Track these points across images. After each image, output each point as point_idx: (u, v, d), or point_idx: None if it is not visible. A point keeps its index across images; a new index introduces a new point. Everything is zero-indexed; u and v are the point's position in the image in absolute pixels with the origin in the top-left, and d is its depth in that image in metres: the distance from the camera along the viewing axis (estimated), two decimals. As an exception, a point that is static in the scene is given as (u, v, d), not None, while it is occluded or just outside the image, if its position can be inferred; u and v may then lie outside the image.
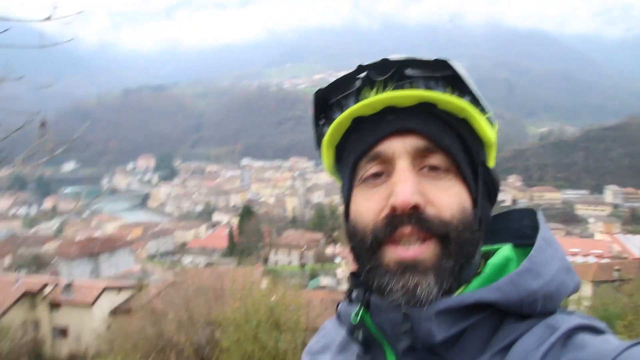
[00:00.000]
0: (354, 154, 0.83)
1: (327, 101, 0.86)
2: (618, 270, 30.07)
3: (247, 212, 68.41)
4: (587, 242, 72.70)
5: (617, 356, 0.63)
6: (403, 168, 0.77)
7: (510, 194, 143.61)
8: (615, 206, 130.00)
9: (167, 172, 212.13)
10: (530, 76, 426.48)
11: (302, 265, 51.55)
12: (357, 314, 0.84)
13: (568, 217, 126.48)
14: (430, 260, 0.74)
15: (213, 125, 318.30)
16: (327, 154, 0.92)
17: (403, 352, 0.76)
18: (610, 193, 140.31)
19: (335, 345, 0.96)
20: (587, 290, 28.25)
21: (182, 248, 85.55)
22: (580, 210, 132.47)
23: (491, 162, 0.90)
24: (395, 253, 0.75)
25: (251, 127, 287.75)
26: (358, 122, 0.84)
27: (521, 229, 0.90)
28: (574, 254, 60.05)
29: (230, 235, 66.93)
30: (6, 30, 2.98)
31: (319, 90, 0.85)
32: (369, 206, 0.79)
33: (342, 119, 0.84)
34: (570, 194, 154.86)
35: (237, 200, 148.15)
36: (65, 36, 3.32)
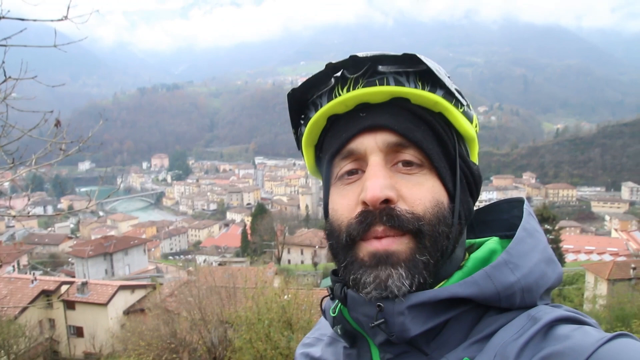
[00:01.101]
0: (330, 152, 0.84)
1: (305, 101, 0.87)
2: (634, 268, 29.65)
3: (260, 211, 68.47)
4: (603, 239, 71.91)
5: (597, 349, 0.62)
6: (374, 163, 0.77)
7: (525, 191, 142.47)
8: (632, 203, 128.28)
9: (181, 171, 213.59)
10: (546, 72, 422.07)
11: (315, 264, 51.46)
12: (334, 309, 0.85)
13: (584, 215, 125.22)
14: (403, 253, 0.74)
15: (227, 123, 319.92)
16: (307, 154, 0.93)
17: (383, 345, 0.77)
18: (627, 190, 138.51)
19: (326, 338, 0.98)
20: (602, 288, 27.89)
21: (196, 247, 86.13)
22: (596, 207, 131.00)
23: (474, 157, 0.90)
24: (369, 246, 0.75)
25: (265, 126, 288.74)
26: (334, 121, 0.85)
27: (510, 219, 0.90)
28: (590, 252, 59.49)
29: (244, 234, 67.09)
30: (23, 30, 3.02)
31: (293, 90, 0.85)
32: (343, 203, 0.80)
33: (316, 118, 0.85)
34: (586, 191, 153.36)
35: (250, 198, 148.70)
36: (83, 36, 3.34)
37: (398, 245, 0.74)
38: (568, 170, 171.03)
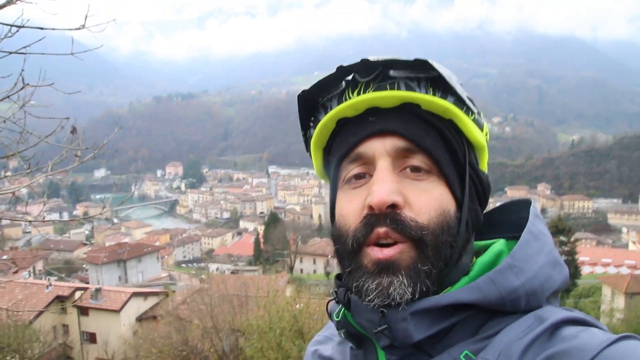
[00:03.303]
0: (338, 155, 0.84)
1: (315, 103, 0.87)
2: (653, 282, 29.17)
3: (273, 220, 68.62)
4: (620, 252, 70.85)
5: (602, 349, 0.62)
6: (382, 168, 0.77)
7: (539, 202, 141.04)
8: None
9: (195, 180, 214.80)
10: (561, 84, 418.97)
11: (328, 274, 51.26)
12: (338, 314, 0.86)
13: (600, 227, 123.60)
14: (405, 261, 0.74)
15: (241, 133, 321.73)
16: (315, 157, 0.93)
17: (387, 347, 0.78)
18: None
19: (337, 337, 0.99)
20: (620, 302, 27.48)
21: (209, 255, 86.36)
22: (613, 219, 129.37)
23: (483, 165, 0.89)
24: (373, 254, 0.75)
25: (278, 135, 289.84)
26: (343, 124, 0.85)
27: (518, 220, 0.89)
28: (606, 265, 58.55)
29: (256, 243, 67.19)
30: (41, 39, 3.08)
31: (303, 91, 0.86)
32: (349, 207, 0.80)
33: (326, 120, 0.85)
34: (602, 203, 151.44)
35: (263, 207, 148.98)
36: (99, 45, 3.41)
37: (400, 254, 0.74)
38: (584, 181, 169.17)
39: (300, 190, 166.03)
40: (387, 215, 0.74)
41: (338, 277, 0.89)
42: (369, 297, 0.74)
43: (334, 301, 0.91)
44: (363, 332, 0.82)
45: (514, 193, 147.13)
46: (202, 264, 69.25)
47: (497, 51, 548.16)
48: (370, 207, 0.75)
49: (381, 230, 0.74)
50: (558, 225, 35.21)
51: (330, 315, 0.93)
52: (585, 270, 49.38)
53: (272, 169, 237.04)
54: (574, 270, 34.48)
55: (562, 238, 33.82)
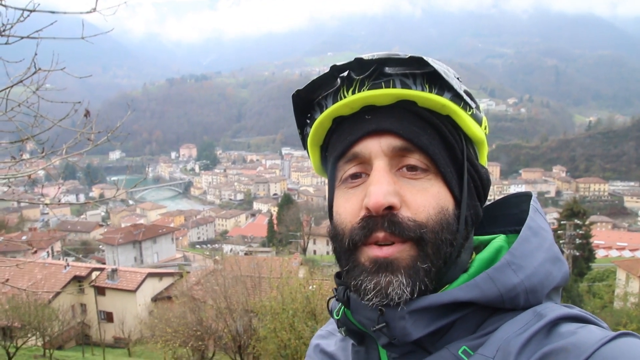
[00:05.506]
0: (334, 154, 0.84)
1: (310, 101, 0.86)
2: (669, 266, 28.84)
3: (286, 201, 68.78)
4: (635, 236, 70.07)
5: (600, 347, 0.62)
6: (378, 169, 0.76)
7: (555, 184, 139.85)
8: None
9: (209, 161, 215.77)
10: (579, 63, 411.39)
11: (341, 255, 51.59)
12: (338, 312, 0.87)
13: (616, 210, 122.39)
14: (404, 260, 0.74)
15: (254, 114, 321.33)
16: (313, 154, 0.94)
17: (387, 345, 0.78)
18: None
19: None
20: (635, 286, 27.26)
21: (223, 236, 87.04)
22: (630, 202, 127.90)
23: (482, 160, 0.89)
24: (370, 252, 0.75)
25: (292, 116, 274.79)
26: (340, 122, 0.84)
27: (519, 214, 0.88)
28: (622, 248, 58.01)
29: (270, 224, 67.55)
30: (53, 23, 3.08)
31: (298, 91, 0.85)
32: (346, 207, 0.80)
33: (321, 119, 0.84)
34: (618, 186, 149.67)
35: (277, 189, 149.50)
36: (110, 28, 3.41)
37: (400, 253, 0.74)
38: (600, 164, 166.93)
39: (313, 172, 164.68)
40: (384, 218, 0.74)
41: (338, 275, 0.89)
42: (368, 297, 0.74)
43: (334, 299, 0.91)
44: (363, 329, 0.82)
45: (528, 175, 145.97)
46: (216, 245, 69.80)
47: (513, 30, 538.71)
48: (368, 209, 0.75)
49: (380, 235, 0.74)
50: (573, 208, 34.91)
51: (331, 313, 0.93)
52: (600, 253, 49.00)
53: (285, 150, 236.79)
54: (589, 254, 34.26)
55: (577, 221, 33.54)
